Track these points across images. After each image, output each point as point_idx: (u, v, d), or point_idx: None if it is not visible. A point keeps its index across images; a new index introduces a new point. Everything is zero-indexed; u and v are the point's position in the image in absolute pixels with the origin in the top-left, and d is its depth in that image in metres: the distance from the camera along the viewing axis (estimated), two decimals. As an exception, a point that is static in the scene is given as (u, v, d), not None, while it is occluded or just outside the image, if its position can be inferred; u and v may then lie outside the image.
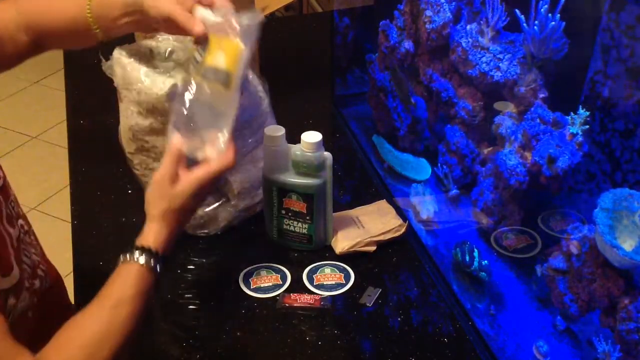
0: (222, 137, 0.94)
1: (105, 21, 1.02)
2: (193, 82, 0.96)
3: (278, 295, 1.08)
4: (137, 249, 0.91)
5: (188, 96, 0.95)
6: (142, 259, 0.89)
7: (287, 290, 1.09)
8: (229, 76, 0.94)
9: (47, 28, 1.05)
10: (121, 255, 0.91)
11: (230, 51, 0.95)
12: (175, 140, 0.93)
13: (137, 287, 0.88)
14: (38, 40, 1.05)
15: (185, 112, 0.95)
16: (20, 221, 1.03)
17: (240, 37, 0.95)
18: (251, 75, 1.16)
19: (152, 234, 0.92)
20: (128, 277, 0.89)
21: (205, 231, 1.18)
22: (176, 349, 1.00)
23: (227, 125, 0.95)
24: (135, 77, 1.04)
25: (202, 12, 0.96)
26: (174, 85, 1.02)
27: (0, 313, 0.82)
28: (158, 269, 0.90)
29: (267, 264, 1.13)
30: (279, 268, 1.13)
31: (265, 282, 1.10)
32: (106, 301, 0.88)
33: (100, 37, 1.03)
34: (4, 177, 1.01)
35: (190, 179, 0.92)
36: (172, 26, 0.97)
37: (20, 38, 1.03)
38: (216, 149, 0.94)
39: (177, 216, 0.93)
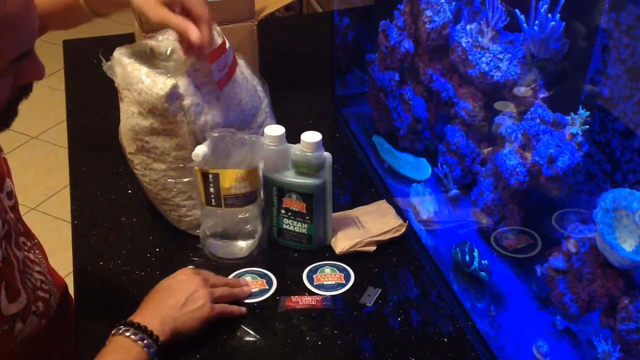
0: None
1: (100, 5, 1.07)
2: None
3: (265, 300, 1.06)
4: (139, 330, 0.89)
5: None
6: (143, 343, 0.88)
7: (283, 293, 1.08)
8: None
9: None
10: (120, 327, 0.89)
11: None
12: None
13: None
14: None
15: None
16: (22, 238, 1.02)
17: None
18: (250, 74, 1.16)
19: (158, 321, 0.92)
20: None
21: (205, 231, 1.18)
22: (176, 349, 1.00)
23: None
24: (135, 77, 1.04)
25: None
26: (175, 86, 1.02)
27: (10, 341, 0.79)
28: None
29: (251, 269, 1.12)
30: (263, 273, 1.11)
31: (253, 287, 1.08)
32: None
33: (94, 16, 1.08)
34: (15, 195, 1.00)
35: None
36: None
37: None
38: None
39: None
